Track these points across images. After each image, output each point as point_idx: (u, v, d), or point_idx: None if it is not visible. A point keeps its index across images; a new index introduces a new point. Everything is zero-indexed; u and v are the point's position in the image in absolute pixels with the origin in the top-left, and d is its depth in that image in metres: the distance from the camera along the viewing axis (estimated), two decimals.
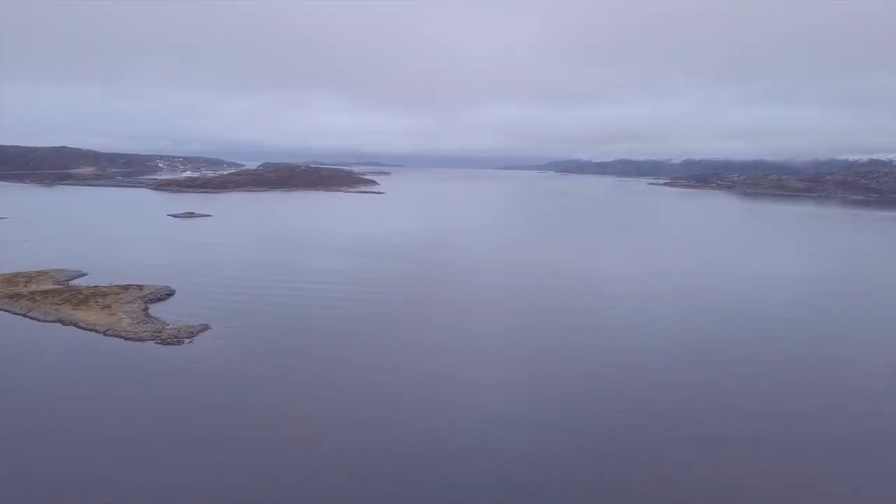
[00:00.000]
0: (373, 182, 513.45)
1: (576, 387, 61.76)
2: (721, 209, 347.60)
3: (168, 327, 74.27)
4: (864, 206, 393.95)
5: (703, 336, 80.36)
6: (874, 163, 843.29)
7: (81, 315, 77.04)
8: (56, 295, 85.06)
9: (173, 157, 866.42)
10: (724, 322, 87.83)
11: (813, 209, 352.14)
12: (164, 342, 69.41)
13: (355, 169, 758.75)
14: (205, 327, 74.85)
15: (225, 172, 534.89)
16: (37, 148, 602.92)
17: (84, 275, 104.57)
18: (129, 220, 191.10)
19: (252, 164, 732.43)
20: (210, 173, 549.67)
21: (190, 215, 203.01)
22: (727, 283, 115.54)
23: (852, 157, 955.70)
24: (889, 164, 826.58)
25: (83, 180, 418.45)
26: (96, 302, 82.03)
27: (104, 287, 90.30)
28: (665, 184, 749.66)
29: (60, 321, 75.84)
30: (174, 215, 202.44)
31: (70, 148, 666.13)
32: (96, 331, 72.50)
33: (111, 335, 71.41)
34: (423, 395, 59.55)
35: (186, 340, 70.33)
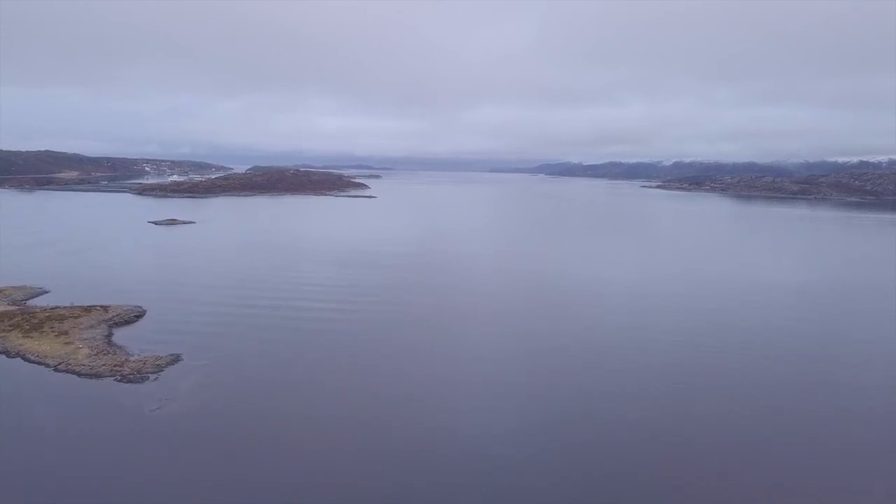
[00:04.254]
0: (363, 186, 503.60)
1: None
2: (719, 212, 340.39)
3: (131, 359, 64.37)
4: (861, 209, 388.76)
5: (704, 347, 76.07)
6: (863, 164, 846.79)
7: (32, 344, 66.98)
8: (6, 319, 74.91)
9: (160, 161, 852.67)
10: (728, 329, 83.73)
11: (812, 212, 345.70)
12: (124, 378, 59.52)
13: (345, 172, 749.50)
14: (175, 358, 65.04)
15: (213, 176, 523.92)
16: (21, 152, 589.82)
17: (46, 292, 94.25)
18: (105, 228, 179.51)
19: (242, 168, 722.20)
20: (197, 177, 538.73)
21: (172, 222, 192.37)
22: (730, 292, 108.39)
23: (842, 160, 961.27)
24: (878, 165, 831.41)
25: (65, 185, 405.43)
26: (51, 328, 71.93)
27: (63, 309, 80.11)
28: (658, 186, 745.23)
29: (6, 352, 65.68)
30: (155, 222, 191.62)
31: (54, 152, 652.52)
32: (46, 364, 62.56)
33: (63, 370, 61.36)
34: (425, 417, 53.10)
35: (152, 376, 60.42)
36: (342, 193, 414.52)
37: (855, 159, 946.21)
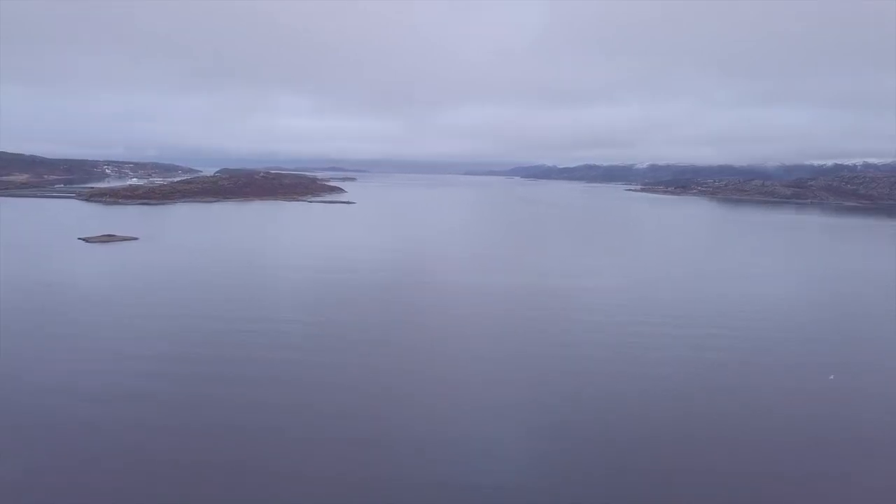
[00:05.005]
0: (339, 189, 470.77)
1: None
2: (731, 222, 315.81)
3: None
4: (865, 214, 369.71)
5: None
6: (839, 167, 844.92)
7: None
8: None
9: (123, 164, 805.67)
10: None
11: (828, 220, 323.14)
12: None
13: (319, 175, 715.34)
14: None
15: (175, 180, 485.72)
16: None
17: None
18: (15, 249, 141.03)
19: (211, 171, 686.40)
20: (159, 180, 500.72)
21: (107, 239, 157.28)
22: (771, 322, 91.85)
23: (817, 163, 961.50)
24: (853, 168, 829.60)
25: (4, 190, 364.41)
26: None
27: None
28: (642, 189, 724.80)
29: None
30: (86, 239, 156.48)
31: (5, 153, 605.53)
32: None
33: None
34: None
35: None
36: (316, 199, 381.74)
37: (830, 162, 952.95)
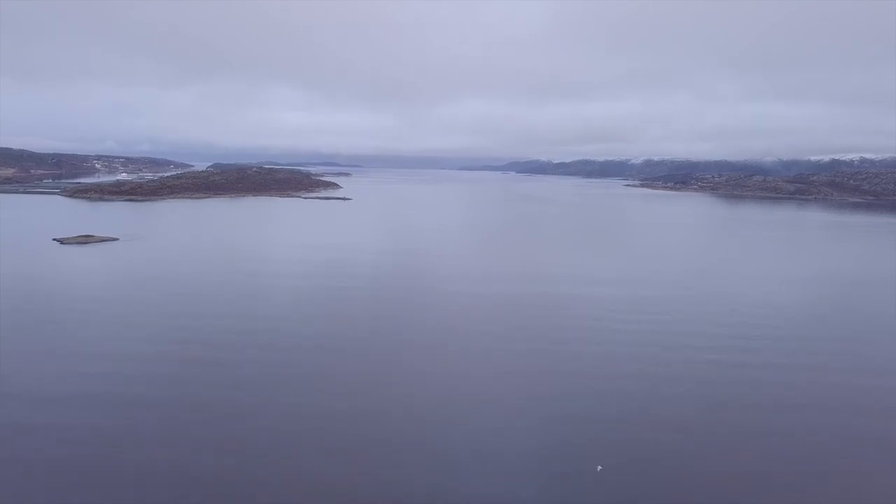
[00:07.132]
0: (333, 185, 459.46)
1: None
2: (744, 221, 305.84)
3: None
4: (874, 211, 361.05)
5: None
6: (836, 163, 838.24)
7: None
8: None
9: (114, 158, 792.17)
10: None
11: (842, 218, 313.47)
12: None
13: (313, 170, 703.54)
14: None
15: (166, 175, 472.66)
16: None
17: None
18: None
19: (203, 166, 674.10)
20: (150, 175, 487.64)
21: (85, 240, 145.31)
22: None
23: (814, 158, 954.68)
24: (850, 164, 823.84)
25: None
26: None
27: None
28: (641, 185, 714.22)
29: None
30: (61, 240, 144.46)
31: None
32: None
33: None
34: None
35: None
36: (311, 194, 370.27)
37: (828, 158, 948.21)
